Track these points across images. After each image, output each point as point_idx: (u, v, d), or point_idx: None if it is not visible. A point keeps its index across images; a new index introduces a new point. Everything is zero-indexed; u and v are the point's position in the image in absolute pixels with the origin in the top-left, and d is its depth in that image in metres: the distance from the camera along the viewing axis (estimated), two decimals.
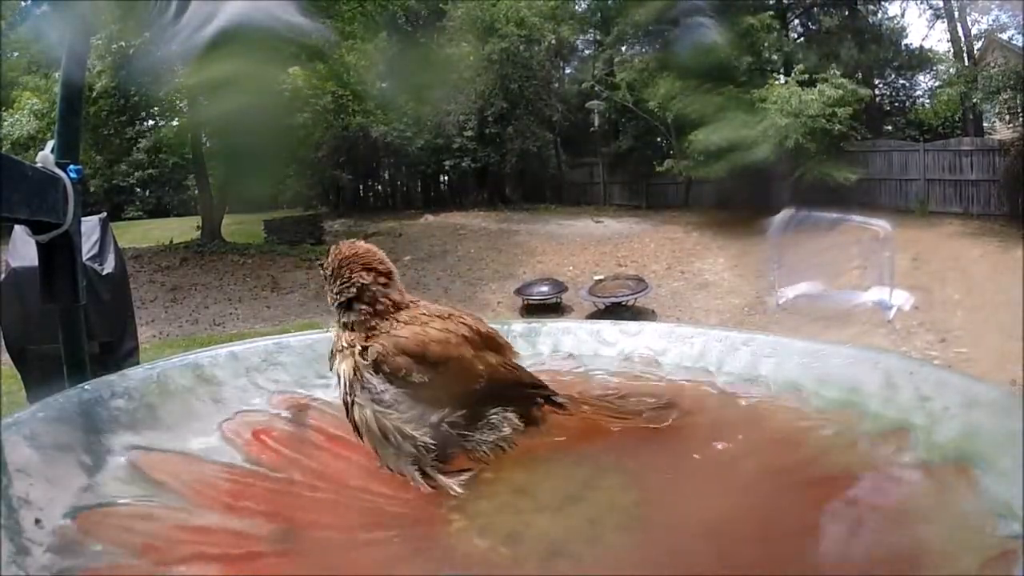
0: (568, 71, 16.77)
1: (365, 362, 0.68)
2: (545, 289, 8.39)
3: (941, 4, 12.44)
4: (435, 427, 0.67)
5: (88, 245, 3.19)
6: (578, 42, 15.85)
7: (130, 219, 15.66)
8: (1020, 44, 11.19)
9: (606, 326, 1.09)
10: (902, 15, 13.47)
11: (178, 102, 12.50)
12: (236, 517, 0.62)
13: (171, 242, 11.63)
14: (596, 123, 14.48)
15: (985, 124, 12.52)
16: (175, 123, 13.58)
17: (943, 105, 13.63)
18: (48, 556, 0.51)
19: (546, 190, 15.99)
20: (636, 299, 7.76)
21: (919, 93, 14.33)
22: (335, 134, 12.71)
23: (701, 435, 0.81)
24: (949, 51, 12.35)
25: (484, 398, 0.70)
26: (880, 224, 6.66)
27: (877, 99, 13.19)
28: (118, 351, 3.36)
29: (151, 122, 13.67)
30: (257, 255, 11.24)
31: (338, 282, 0.72)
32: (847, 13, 12.81)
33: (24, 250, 3.02)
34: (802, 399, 0.85)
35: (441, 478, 0.67)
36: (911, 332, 6.39)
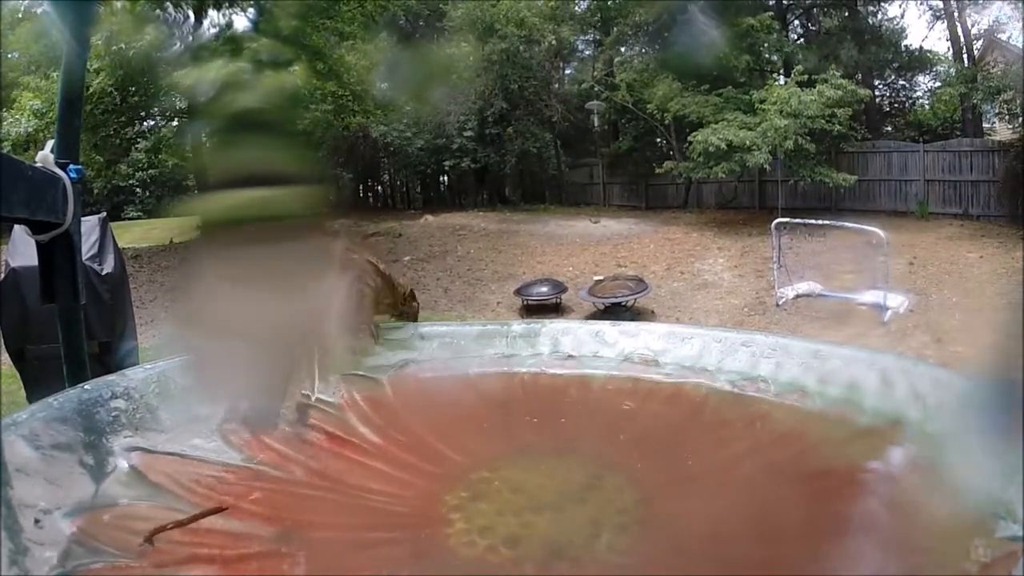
0: (568, 72, 16.75)
1: None
2: (545, 289, 8.38)
3: (941, 4, 12.44)
4: None
5: (88, 245, 3.18)
6: (578, 43, 15.83)
7: (130, 219, 15.64)
8: (1020, 44, 11.20)
9: (606, 327, 1.09)
10: (902, 16, 13.46)
11: (178, 102, 12.49)
12: (235, 518, 0.62)
13: (171, 242, 11.61)
14: (596, 124, 14.47)
15: (985, 125, 12.52)
16: (175, 123, 13.57)
17: (943, 106, 13.62)
18: (48, 556, 0.51)
19: (546, 190, 15.98)
20: (636, 299, 7.74)
21: (919, 94, 14.33)
22: (335, 134, 12.70)
23: (700, 433, 0.81)
24: (948, 51, 12.35)
25: None
26: (873, 230, 6.67)
27: (877, 100, 13.16)
28: (118, 351, 3.34)
29: (151, 122, 13.66)
30: None
31: None
32: (847, 14, 12.80)
33: (24, 250, 3.01)
34: (801, 398, 0.85)
35: None
36: (907, 334, 6.39)
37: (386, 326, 1.05)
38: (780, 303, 7.20)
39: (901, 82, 14.09)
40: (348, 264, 0.96)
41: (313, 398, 0.85)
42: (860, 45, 12.05)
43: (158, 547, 0.55)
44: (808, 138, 10.08)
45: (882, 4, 12.99)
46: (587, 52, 16.08)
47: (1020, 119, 10.98)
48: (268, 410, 0.79)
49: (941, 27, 12.67)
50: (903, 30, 13.44)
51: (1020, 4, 10.53)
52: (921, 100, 14.34)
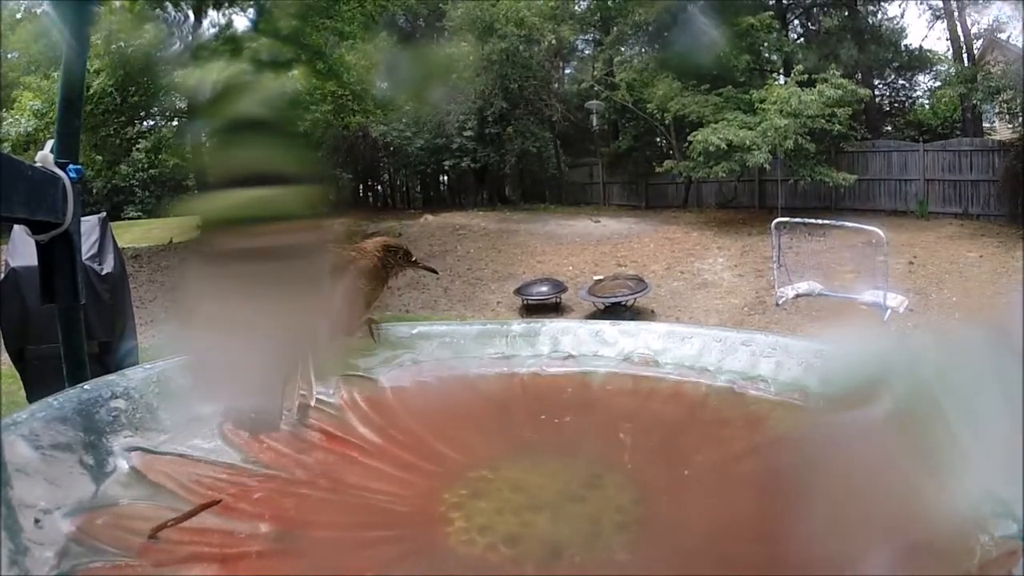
0: (568, 71, 16.77)
1: None
2: (545, 289, 8.38)
3: (941, 4, 12.44)
4: None
5: (87, 245, 3.18)
6: (578, 42, 15.84)
7: (130, 219, 15.65)
8: (1020, 44, 11.19)
9: (605, 326, 1.09)
10: (902, 15, 13.47)
11: (178, 102, 12.50)
12: (235, 518, 0.62)
13: (171, 242, 11.61)
14: (595, 123, 14.47)
15: (986, 124, 12.52)
16: (175, 123, 13.57)
17: (942, 105, 13.62)
18: (48, 556, 0.51)
19: (545, 190, 15.98)
20: (636, 299, 7.75)
21: (919, 93, 14.34)
22: (335, 134, 12.70)
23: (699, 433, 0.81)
24: (948, 51, 12.35)
25: None
26: (873, 229, 6.68)
27: (877, 99, 13.17)
28: (118, 351, 3.34)
29: (151, 122, 13.66)
30: None
31: None
32: (847, 13, 12.80)
33: (24, 250, 3.01)
34: (804, 398, 0.85)
35: None
36: (906, 334, 6.40)
37: (386, 325, 1.05)
38: (780, 303, 7.20)
39: (901, 82, 14.10)
40: (348, 262, 0.96)
41: (312, 402, 0.85)
42: (860, 45, 12.05)
43: (157, 546, 0.55)
44: (808, 138, 10.09)
45: (882, 4, 12.99)
46: (587, 52, 16.10)
47: (1020, 119, 10.98)
48: (267, 411, 0.79)
49: (941, 27, 12.68)
50: (903, 30, 13.46)
51: (1020, 4, 10.52)
52: (921, 100, 14.35)
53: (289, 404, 0.82)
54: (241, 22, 11.30)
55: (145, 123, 13.45)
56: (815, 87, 10.19)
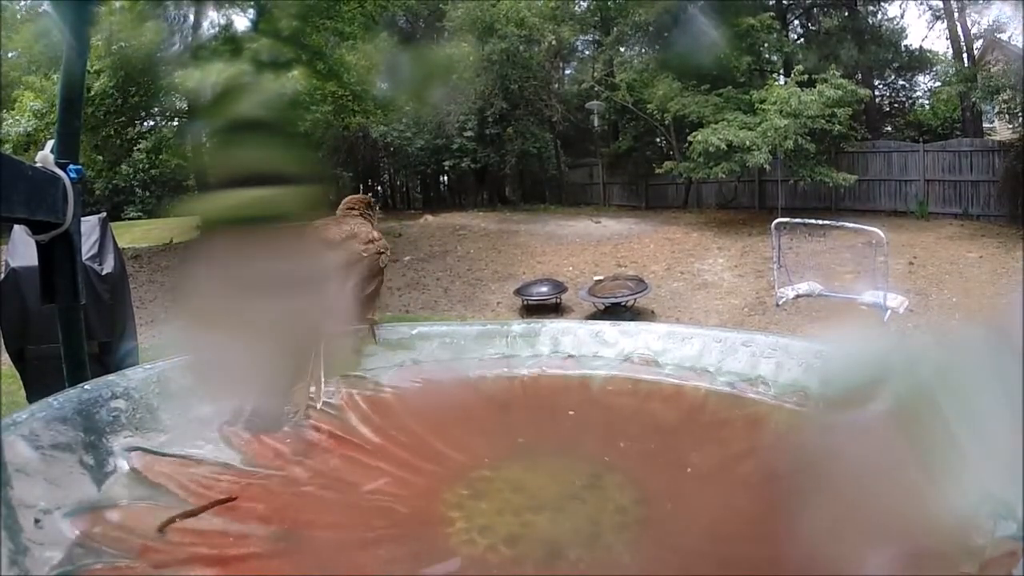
0: (568, 72, 16.78)
1: None
2: (545, 289, 8.38)
3: (941, 4, 12.44)
4: None
5: (88, 245, 3.18)
6: (578, 43, 15.84)
7: (130, 219, 15.66)
8: (1020, 44, 11.18)
9: (606, 327, 1.09)
10: (902, 16, 13.48)
11: (178, 102, 12.50)
12: (235, 518, 0.62)
13: (171, 242, 11.61)
14: (596, 124, 14.47)
15: (986, 125, 12.52)
16: (175, 123, 13.57)
17: (942, 106, 13.62)
18: (48, 556, 0.51)
19: (546, 190, 15.98)
20: (636, 299, 7.74)
21: (919, 94, 14.34)
22: (335, 134, 12.70)
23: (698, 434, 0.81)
24: (948, 51, 12.35)
25: None
26: (873, 230, 6.68)
27: (877, 100, 13.17)
28: (117, 351, 3.34)
29: (151, 122, 13.66)
30: None
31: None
32: (847, 14, 12.80)
33: (24, 250, 3.01)
34: (804, 399, 0.85)
35: None
36: (906, 334, 6.39)
37: (386, 325, 1.05)
38: (780, 303, 7.20)
39: (901, 82, 14.10)
40: (353, 257, 0.96)
41: (319, 404, 0.84)
42: (860, 45, 12.05)
43: (158, 546, 0.55)
44: (808, 138, 10.08)
45: (882, 4, 13.00)
46: (587, 52, 16.10)
47: (1020, 119, 10.98)
48: (271, 411, 0.78)
49: (941, 27, 12.68)
50: (903, 30, 13.47)
51: (1020, 4, 10.52)
52: (921, 100, 14.35)
53: (296, 405, 0.81)
54: (241, 22, 11.32)
55: (146, 123, 13.44)
56: (815, 87, 10.18)
